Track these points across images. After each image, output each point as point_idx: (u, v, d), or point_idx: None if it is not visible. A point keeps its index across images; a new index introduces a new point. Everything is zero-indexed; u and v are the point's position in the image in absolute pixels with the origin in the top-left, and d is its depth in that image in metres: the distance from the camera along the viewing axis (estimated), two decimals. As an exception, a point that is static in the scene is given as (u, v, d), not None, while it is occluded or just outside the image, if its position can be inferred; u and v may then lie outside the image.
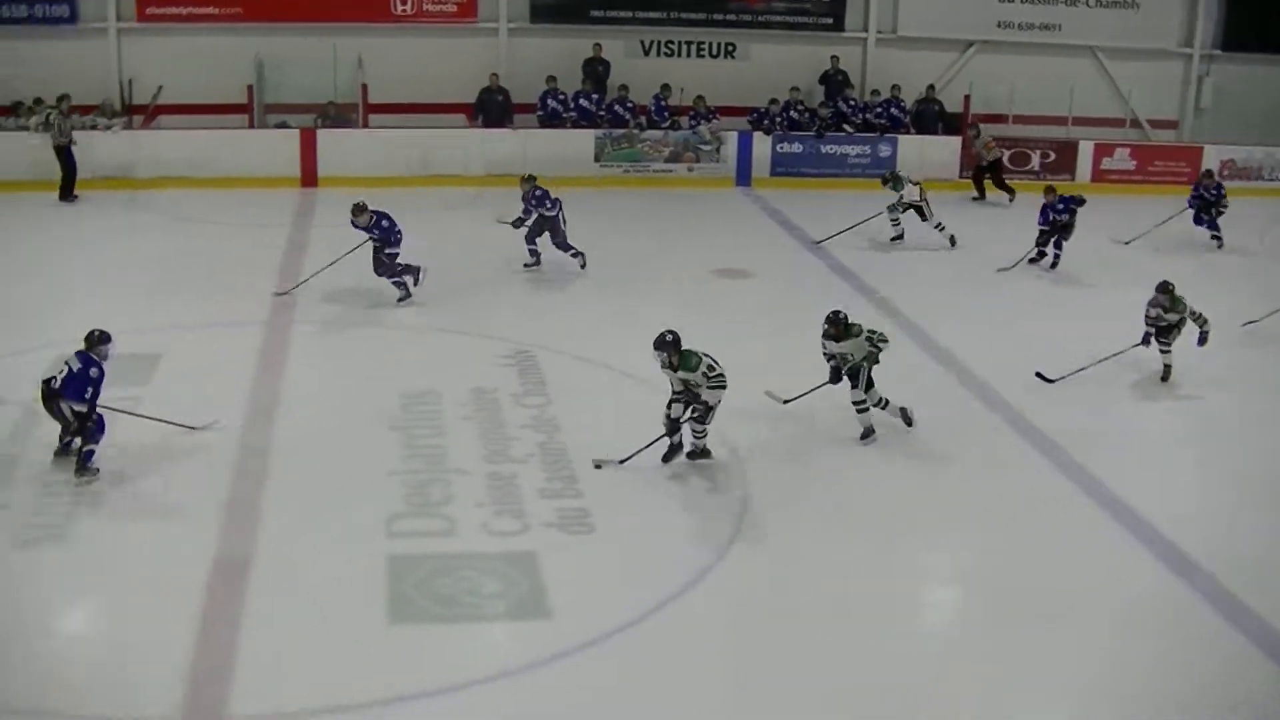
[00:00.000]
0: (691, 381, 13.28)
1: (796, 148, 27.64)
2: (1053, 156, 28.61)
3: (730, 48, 29.11)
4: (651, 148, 27.04)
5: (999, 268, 21.56)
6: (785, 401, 14.79)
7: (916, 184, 22.53)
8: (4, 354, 16.20)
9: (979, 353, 17.42)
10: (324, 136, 25.96)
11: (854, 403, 14.52)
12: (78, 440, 13.23)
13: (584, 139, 26.86)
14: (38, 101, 25.05)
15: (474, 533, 12.39)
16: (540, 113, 27.16)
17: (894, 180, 22.58)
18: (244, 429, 14.42)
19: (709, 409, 13.36)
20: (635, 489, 13.25)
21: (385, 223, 18.46)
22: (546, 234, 20.26)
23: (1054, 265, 21.58)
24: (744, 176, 27.32)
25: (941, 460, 14.48)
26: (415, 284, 18.76)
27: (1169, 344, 16.68)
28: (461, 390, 15.39)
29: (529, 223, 20.28)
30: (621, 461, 13.47)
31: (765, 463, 14.08)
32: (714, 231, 23.68)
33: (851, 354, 14.39)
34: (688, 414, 13.46)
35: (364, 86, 26.63)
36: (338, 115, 26.80)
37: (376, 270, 18.56)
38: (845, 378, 14.55)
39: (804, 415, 14.84)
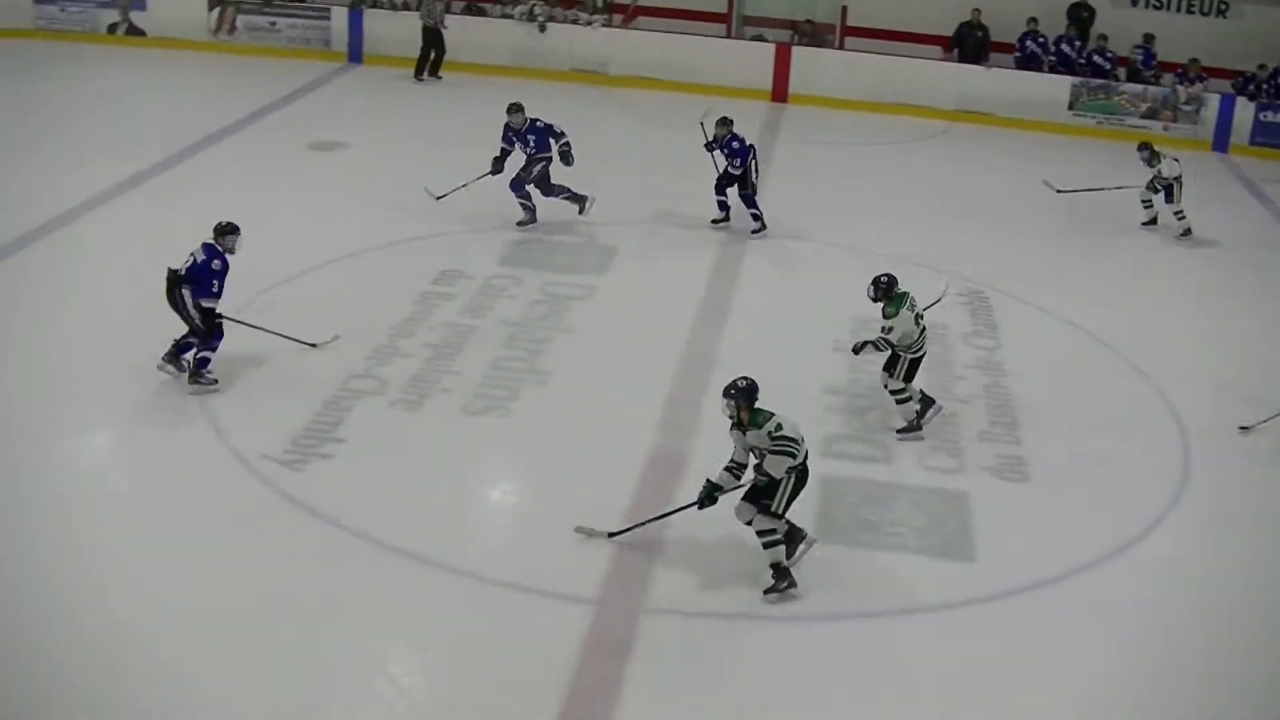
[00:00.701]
0: (751, 445, 10.34)
1: (1283, 118, 26.14)
2: None
3: (1223, 6, 27.64)
4: (1129, 101, 25.97)
5: None
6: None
7: (1176, 160, 20.44)
8: (474, 229, 17.02)
9: None
10: (799, 54, 25.87)
11: (889, 390, 12.93)
12: (189, 352, 12.86)
13: (1059, 85, 25.90)
14: (523, -9, 25.93)
15: (909, 465, 12.26)
16: (1018, 54, 26.40)
17: (1151, 154, 20.45)
18: (693, 332, 14.61)
19: (771, 484, 10.25)
20: (1078, 445, 12.83)
21: (534, 132, 17.22)
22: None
23: None
24: (1221, 142, 25.92)
25: None
26: (583, 207, 17.51)
27: None
28: (912, 321, 15.14)
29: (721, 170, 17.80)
30: (611, 535, 10.82)
31: (1211, 437, 13.30)
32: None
33: (897, 330, 12.56)
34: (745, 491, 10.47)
35: (844, 8, 26.50)
36: (814, 34, 26.76)
37: (521, 180, 17.46)
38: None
39: (1258, 386, 14.09)
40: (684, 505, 10.65)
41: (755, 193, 17.60)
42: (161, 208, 17.57)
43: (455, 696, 9.19)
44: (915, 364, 12.78)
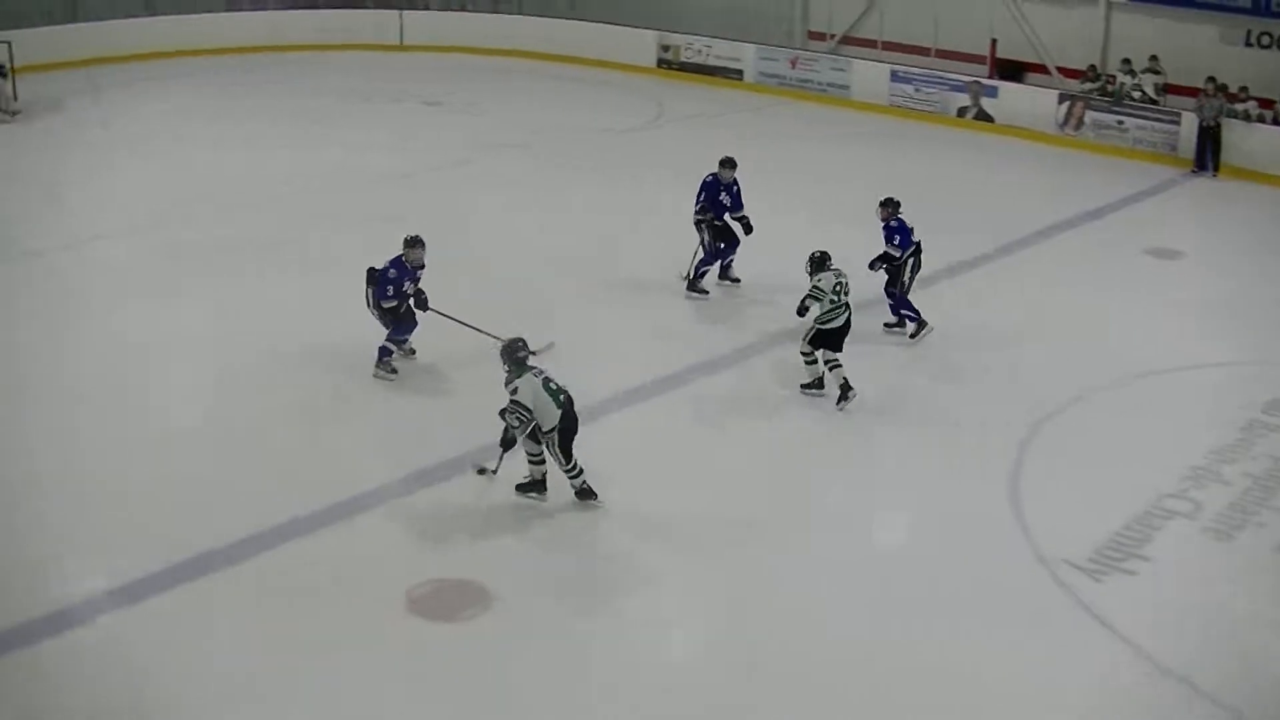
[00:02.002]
0: None
1: None
2: None
3: None
4: None
5: None
6: None
7: None
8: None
9: None
10: None
11: (800, 351, 14.74)
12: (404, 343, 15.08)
13: None
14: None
15: None
16: None
17: None
18: None
19: (504, 428, 12.04)
20: None
21: (738, 187, 17.49)
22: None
23: None
24: None
25: None
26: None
27: None
28: None
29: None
30: (494, 471, 12.56)
31: None
32: None
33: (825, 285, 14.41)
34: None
35: None
36: None
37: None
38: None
39: None
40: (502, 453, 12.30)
41: (906, 292, 16.39)
42: (984, 297, 18.10)
43: None
44: (824, 334, 14.46)
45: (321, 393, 14.63)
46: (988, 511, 12.49)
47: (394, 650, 10.33)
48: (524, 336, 12.19)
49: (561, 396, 11.92)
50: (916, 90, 28.70)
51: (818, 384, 14.69)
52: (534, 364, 12.09)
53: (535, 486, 12.38)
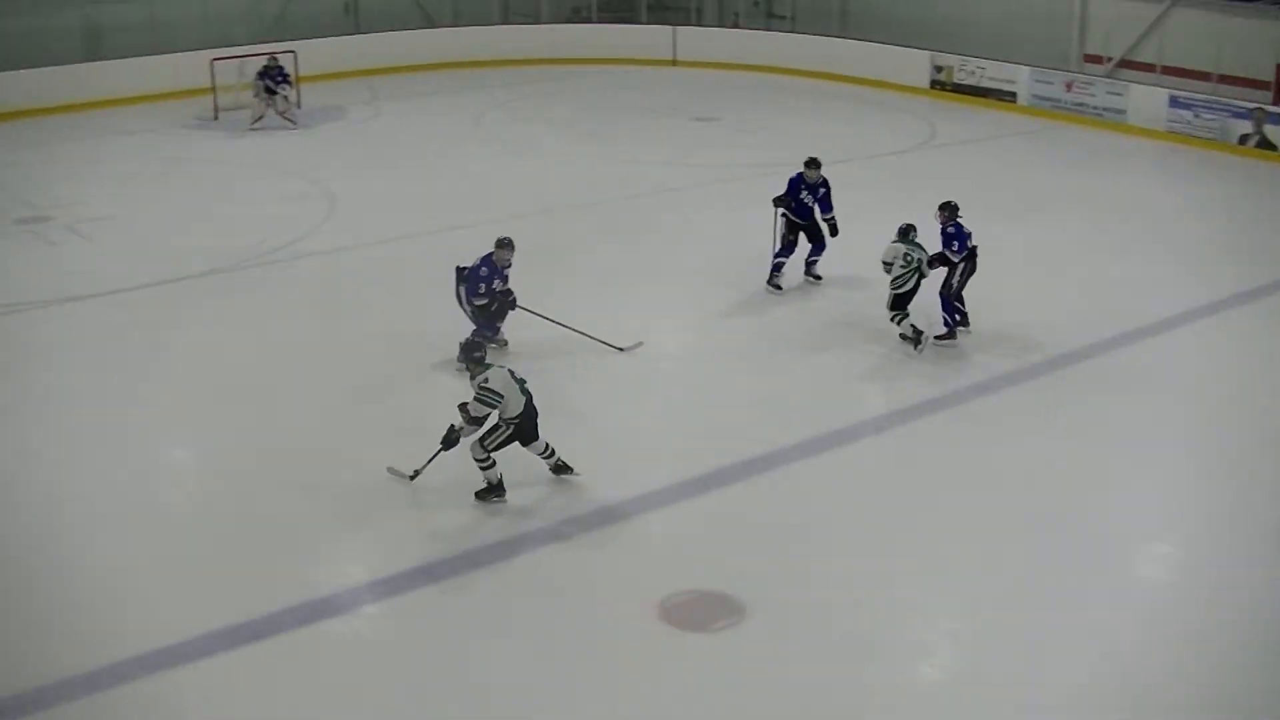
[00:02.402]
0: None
1: None
2: None
3: None
4: None
5: None
6: None
7: None
8: None
9: None
10: None
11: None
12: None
13: None
14: None
15: None
16: None
17: None
18: None
19: (464, 420, 12.21)
20: None
21: (825, 187, 18.05)
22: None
23: None
24: None
25: None
26: None
27: None
28: None
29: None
30: (413, 476, 12.79)
31: None
32: None
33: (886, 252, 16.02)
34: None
35: None
36: None
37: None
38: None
39: None
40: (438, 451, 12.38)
41: (953, 295, 16.49)
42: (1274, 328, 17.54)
43: None
44: (899, 297, 15.95)
45: (594, 396, 15.05)
46: (1261, 559, 12.03)
47: (642, 658, 10.45)
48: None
49: (525, 384, 12.41)
50: (1196, 116, 27.89)
51: (915, 340, 15.99)
52: (490, 361, 12.37)
53: (495, 490, 12.53)
